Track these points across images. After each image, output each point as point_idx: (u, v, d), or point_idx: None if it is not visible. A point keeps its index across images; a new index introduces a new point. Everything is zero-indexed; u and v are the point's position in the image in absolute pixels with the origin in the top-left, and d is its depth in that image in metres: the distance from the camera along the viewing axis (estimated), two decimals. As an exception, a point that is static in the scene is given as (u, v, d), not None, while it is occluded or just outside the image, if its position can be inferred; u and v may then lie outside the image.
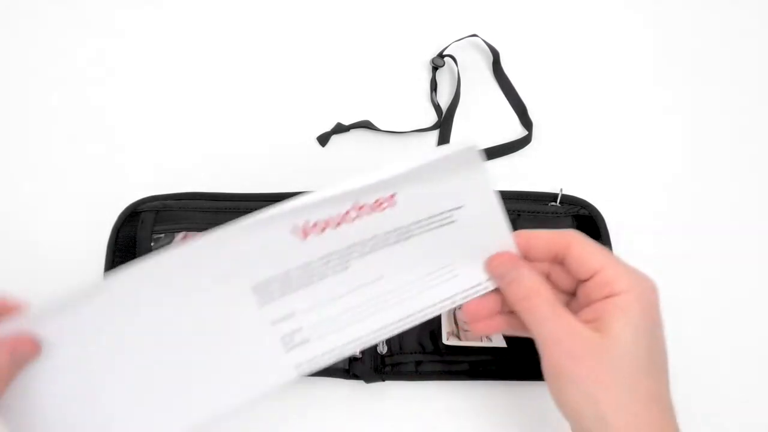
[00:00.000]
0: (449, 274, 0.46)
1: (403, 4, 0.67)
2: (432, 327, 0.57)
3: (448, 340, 0.56)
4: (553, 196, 0.58)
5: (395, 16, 0.67)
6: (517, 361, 0.56)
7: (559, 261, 0.44)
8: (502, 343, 0.56)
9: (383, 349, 0.56)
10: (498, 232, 0.45)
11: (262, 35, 0.66)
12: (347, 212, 0.42)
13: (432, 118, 0.64)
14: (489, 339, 0.56)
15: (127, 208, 0.59)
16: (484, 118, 0.64)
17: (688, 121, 0.64)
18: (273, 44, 0.66)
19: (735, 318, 0.58)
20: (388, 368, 0.56)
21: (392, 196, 0.42)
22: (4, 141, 0.64)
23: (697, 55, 0.66)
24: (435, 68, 0.65)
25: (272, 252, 0.42)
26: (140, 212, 0.59)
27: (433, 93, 0.65)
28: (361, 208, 0.42)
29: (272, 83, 0.65)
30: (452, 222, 0.44)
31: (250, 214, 0.40)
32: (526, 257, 0.45)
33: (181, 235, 0.58)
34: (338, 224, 0.42)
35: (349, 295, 0.45)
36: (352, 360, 0.56)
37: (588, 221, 0.58)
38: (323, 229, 0.42)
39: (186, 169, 0.63)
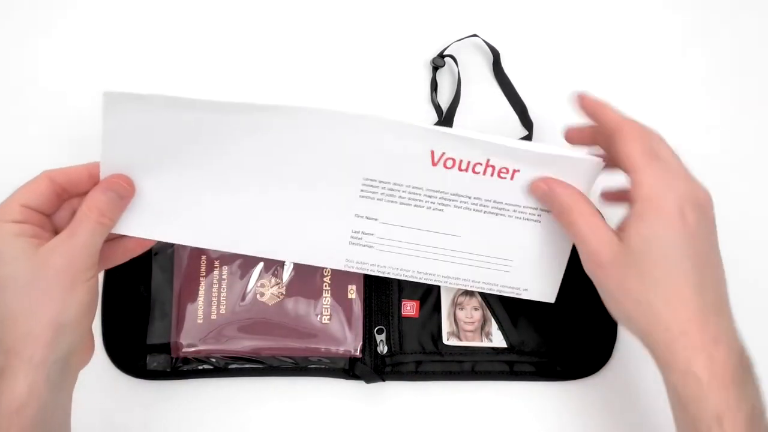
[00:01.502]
0: (505, 267, 0.51)
1: (403, 4, 0.67)
2: (432, 327, 0.57)
3: (448, 340, 0.57)
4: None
5: (395, 16, 0.67)
6: (520, 361, 0.56)
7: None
8: (503, 344, 0.56)
9: (383, 349, 0.56)
10: (559, 255, 0.51)
11: (263, 35, 0.66)
12: (478, 163, 0.46)
13: (432, 118, 0.64)
14: (489, 339, 0.56)
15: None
16: (485, 118, 0.64)
17: (688, 121, 0.64)
18: (273, 44, 0.66)
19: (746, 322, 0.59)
20: (388, 368, 0.56)
21: (516, 171, 0.46)
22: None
23: (697, 54, 0.66)
24: (435, 68, 0.65)
25: (400, 160, 0.46)
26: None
27: (434, 93, 0.65)
28: (489, 166, 0.46)
29: (273, 83, 0.65)
30: (537, 221, 0.49)
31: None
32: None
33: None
34: (464, 169, 0.46)
35: (426, 234, 0.50)
36: (352, 360, 0.57)
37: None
38: (451, 167, 0.46)
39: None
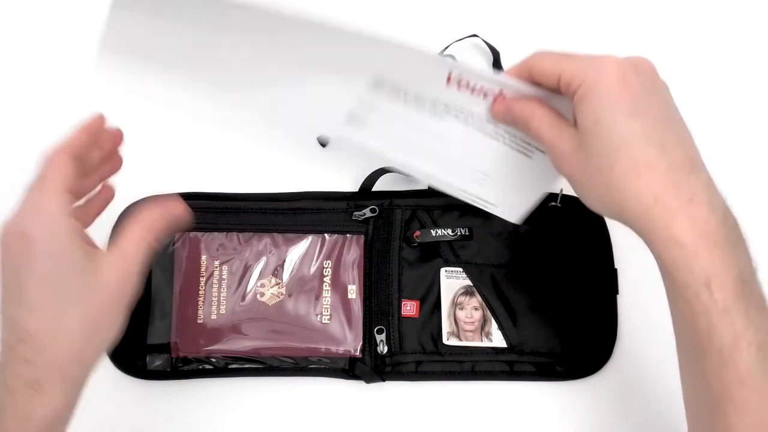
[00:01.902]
0: (482, 180, 0.52)
1: (403, 4, 0.67)
2: (432, 327, 0.57)
3: (448, 340, 0.56)
4: (553, 197, 0.58)
5: (395, 16, 0.67)
6: (520, 361, 0.56)
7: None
8: (503, 344, 0.56)
9: (383, 349, 0.56)
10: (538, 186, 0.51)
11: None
12: (491, 89, 0.47)
13: (432, 118, 0.64)
14: (489, 339, 0.56)
15: (127, 209, 0.58)
16: (484, 118, 0.64)
17: (689, 121, 0.64)
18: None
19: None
20: (388, 368, 0.56)
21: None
22: None
23: (696, 51, 0.66)
24: (435, 68, 0.65)
25: (417, 74, 0.47)
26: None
27: (433, 93, 0.65)
28: (502, 95, 0.47)
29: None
30: (527, 156, 0.50)
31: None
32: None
33: (179, 237, 0.58)
34: (476, 92, 0.47)
35: (420, 133, 0.51)
36: (352, 360, 0.57)
37: (589, 221, 0.58)
38: (464, 88, 0.47)
39: (185, 169, 0.62)
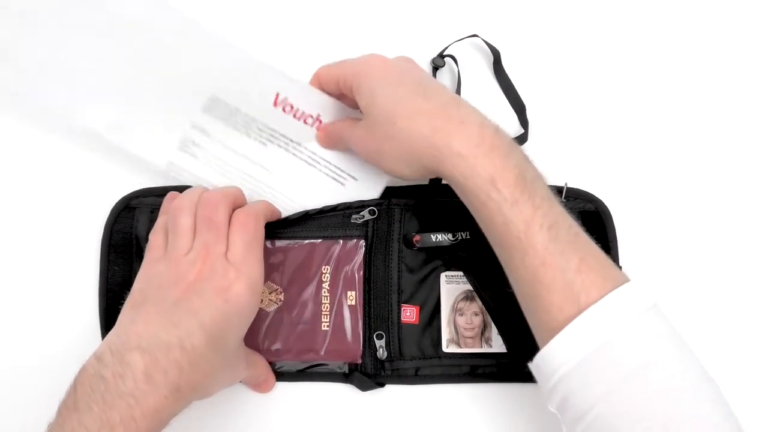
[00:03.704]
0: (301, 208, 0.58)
1: (403, 4, 0.66)
2: (432, 333, 0.57)
3: (447, 347, 0.56)
4: (558, 190, 0.57)
5: (396, 16, 0.66)
6: (518, 364, 0.55)
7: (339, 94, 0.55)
8: (503, 349, 0.56)
9: (383, 355, 0.56)
10: None
11: (264, 34, 0.66)
12: (310, 116, 0.55)
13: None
14: (489, 345, 0.56)
15: (120, 202, 0.58)
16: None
17: (689, 121, 0.63)
18: (274, 43, 0.65)
19: (744, 312, 0.59)
20: (388, 372, 0.56)
21: None
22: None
23: (696, 50, 0.66)
24: (435, 68, 0.64)
25: (248, 90, 0.54)
26: (133, 208, 0.58)
27: (433, 93, 0.64)
28: (318, 120, 0.56)
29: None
30: (341, 185, 0.58)
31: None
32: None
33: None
34: (298, 118, 0.55)
35: (246, 162, 0.57)
36: (351, 365, 0.57)
37: (595, 216, 0.57)
38: (288, 111, 0.55)
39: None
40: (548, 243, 0.42)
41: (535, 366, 0.44)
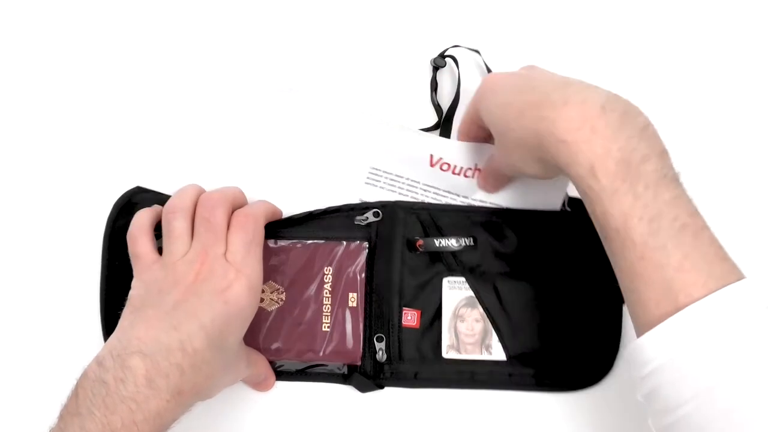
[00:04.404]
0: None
1: (404, 4, 0.66)
2: (432, 338, 0.57)
3: (447, 353, 0.56)
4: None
5: (396, 16, 0.66)
6: (521, 372, 0.56)
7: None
8: (502, 356, 0.56)
9: (383, 357, 0.56)
10: None
11: (264, 34, 0.65)
12: (468, 168, 0.57)
13: (432, 118, 0.63)
14: (489, 352, 0.56)
15: (122, 198, 0.58)
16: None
17: (689, 121, 0.63)
18: (274, 43, 0.65)
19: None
20: (387, 374, 0.57)
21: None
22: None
23: (694, 49, 0.66)
24: (436, 68, 0.64)
25: (404, 158, 0.57)
26: (135, 203, 0.58)
27: (434, 93, 0.64)
28: (477, 170, 0.57)
29: (274, 81, 0.64)
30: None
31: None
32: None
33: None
34: (457, 173, 0.57)
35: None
36: (351, 366, 0.57)
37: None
38: (446, 169, 0.57)
39: (182, 164, 0.62)
40: (647, 237, 0.40)
41: (628, 354, 0.43)
